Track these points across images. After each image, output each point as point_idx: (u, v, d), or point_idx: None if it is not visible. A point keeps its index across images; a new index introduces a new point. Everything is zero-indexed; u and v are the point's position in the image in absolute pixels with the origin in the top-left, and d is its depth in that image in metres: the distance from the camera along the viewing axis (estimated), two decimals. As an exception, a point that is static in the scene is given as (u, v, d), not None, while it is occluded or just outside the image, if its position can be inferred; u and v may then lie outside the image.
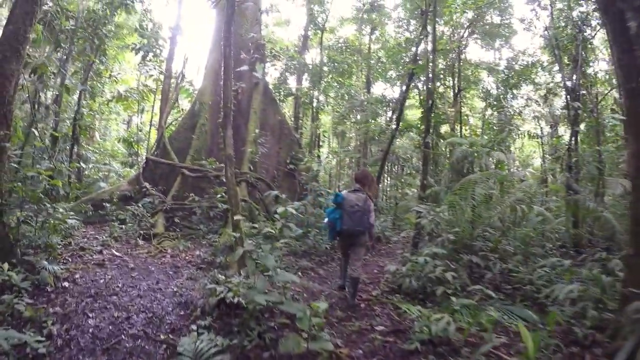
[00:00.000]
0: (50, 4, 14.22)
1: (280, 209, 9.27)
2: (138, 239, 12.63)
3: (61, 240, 10.64)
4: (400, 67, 25.82)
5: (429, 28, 15.45)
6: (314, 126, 25.73)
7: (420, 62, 18.51)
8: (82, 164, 17.47)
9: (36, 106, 13.35)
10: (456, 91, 24.05)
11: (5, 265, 6.98)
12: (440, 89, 25.71)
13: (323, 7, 26.50)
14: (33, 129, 10.43)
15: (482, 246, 10.40)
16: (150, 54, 21.31)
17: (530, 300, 8.29)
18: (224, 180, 14.31)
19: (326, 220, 8.27)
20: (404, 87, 19.52)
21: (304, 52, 25.36)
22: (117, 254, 11.13)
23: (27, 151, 13.21)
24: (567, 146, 15.14)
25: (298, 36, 28.22)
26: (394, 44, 26.10)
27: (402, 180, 25.09)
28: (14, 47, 8.37)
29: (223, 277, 7.23)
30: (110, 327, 6.30)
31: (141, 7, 23.99)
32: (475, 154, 13.76)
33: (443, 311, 6.94)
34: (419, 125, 25.14)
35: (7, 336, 5.18)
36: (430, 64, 13.86)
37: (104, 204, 14.83)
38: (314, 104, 26.16)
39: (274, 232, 7.44)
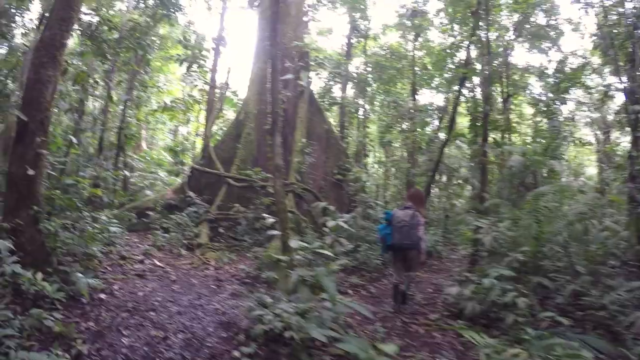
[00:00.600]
0: (96, 18, 13.84)
1: (330, 223, 8.54)
2: (181, 248, 12.04)
3: (102, 249, 10.11)
4: (445, 73, 24.75)
5: (479, 32, 14.47)
6: (361, 135, 24.86)
7: (470, 66, 17.46)
8: (126, 172, 17.06)
9: (81, 115, 12.92)
10: (505, 97, 22.74)
11: (39, 275, 6.36)
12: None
13: (365, 14, 25.74)
14: (71, 136, 9.89)
15: (549, 266, 9.29)
16: (195, 65, 20.99)
17: (603, 327, 7.27)
18: (271, 190, 13.75)
19: (379, 235, 8.76)
20: (455, 93, 18.48)
21: (348, 60, 24.58)
22: (158, 264, 10.52)
23: (72, 159, 12.89)
24: (628, 153, 13.78)
25: (341, 45, 27.50)
26: (438, 50, 25.02)
27: (451, 191, 23.92)
28: (51, 53, 7.94)
29: (270, 300, 6.41)
30: (146, 348, 5.60)
31: (184, 19, 24.15)
32: (537, 164, 12.61)
33: (511, 341, 6.05)
34: (467, 134, 24.01)
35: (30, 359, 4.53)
36: (485, 67, 12.86)
37: (148, 212, 14.33)
38: (360, 113, 25.36)
39: (324, 248, 6.63)
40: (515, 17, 22.27)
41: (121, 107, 18.77)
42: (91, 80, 13.09)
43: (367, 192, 17.65)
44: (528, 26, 22.33)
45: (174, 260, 11.19)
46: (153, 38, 18.94)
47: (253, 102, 17.54)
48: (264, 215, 12.03)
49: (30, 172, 7.39)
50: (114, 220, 12.23)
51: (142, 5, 18.88)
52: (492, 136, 23.77)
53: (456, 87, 24.46)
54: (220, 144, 17.25)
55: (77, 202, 8.30)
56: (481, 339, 6.28)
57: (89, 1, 13.29)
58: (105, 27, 13.95)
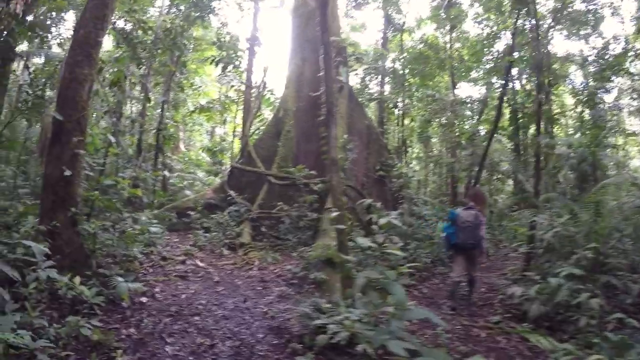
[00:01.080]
0: (130, 24, 13.51)
1: (382, 220, 7.91)
2: (223, 248, 11.55)
3: (143, 250, 9.69)
4: (483, 65, 23.80)
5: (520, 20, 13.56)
6: (400, 131, 24.04)
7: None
8: (165, 172, 16.70)
9: (119, 117, 12.56)
10: (546, 87, 21.58)
11: (77, 279, 5.90)
12: (527, 86, 23.44)
13: (399, 7, 25.00)
14: (110, 136, 9.47)
15: (615, 263, 8.39)
16: (230, 66, 20.60)
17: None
18: (315, 188, 13.18)
19: (443, 234, 8.95)
20: (500, 83, 17.62)
21: (384, 55, 23.78)
22: (200, 264, 10.04)
23: (111, 160, 12.55)
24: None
25: (375, 41, 26.75)
26: (474, 42, 24.01)
27: (492, 186, 22.92)
28: (86, 51, 7.59)
29: (328, 305, 5.76)
30: (192, 358, 5.04)
31: (217, 21, 23.80)
32: (594, 156, 11.68)
33: (581, 346, 5.44)
34: (507, 127, 23.01)
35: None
36: (535, 53, 11.96)
37: (189, 212, 13.91)
38: (398, 108, 24.54)
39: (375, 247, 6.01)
40: (551, 3, 21.15)
41: (158, 109, 18.44)
42: (128, 83, 12.70)
43: (410, 189, 16.89)
44: (566, 12, 21.13)
45: (216, 260, 10.70)
46: (188, 40, 18.58)
47: (291, 99, 16.96)
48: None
49: (67, 172, 6.97)
50: (154, 221, 11.89)
51: (174, 10, 18.55)
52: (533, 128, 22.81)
53: (495, 79, 23.86)
54: (259, 143, 16.73)
55: (116, 203, 7.81)
56: (549, 343, 5.55)
57: (123, 6, 12.90)
58: (140, 31, 13.66)
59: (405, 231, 11.78)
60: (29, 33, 10.20)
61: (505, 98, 23.96)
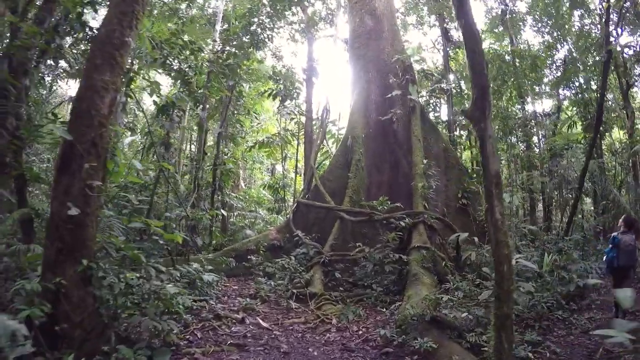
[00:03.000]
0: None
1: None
2: (290, 300, 9.04)
3: (193, 303, 7.39)
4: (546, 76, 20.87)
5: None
6: (473, 153, 21.13)
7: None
8: (223, 211, 14.48)
9: (168, 148, 10.48)
10: (624, 88, 18.39)
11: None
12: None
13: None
14: (135, 163, 7.31)
15: None
16: (288, 99, 18.66)
17: None
18: (401, 224, 10.57)
19: (605, 257, 8.71)
20: (598, 82, 14.78)
21: (447, 73, 21.17)
22: (263, 324, 7.59)
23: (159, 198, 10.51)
24: None
25: (433, 62, 24.37)
26: (535, 52, 21.10)
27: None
28: (107, 53, 5.57)
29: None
30: None
31: (271, 54, 22.07)
32: None
33: None
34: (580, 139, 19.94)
35: None
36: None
37: (250, 256, 11.60)
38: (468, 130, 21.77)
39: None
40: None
41: (214, 145, 16.46)
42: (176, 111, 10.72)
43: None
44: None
45: (282, 316, 8.22)
46: (241, 67, 16.77)
47: (359, 125, 14.61)
48: (420, 247, 8.85)
49: (74, 211, 4.77)
50: (209, 267, 9.63)
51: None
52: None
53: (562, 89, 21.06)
54: (327, 175, 14.33)
55: (143, 255, 5.52)
56: None
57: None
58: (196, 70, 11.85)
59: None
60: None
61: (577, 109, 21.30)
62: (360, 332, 7.21)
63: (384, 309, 8.12)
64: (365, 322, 7.72)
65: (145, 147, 10.10)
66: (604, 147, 20.45)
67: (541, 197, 19.69)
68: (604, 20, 15.17)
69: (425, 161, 12.76)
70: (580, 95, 20.89)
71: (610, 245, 8.55)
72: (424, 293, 7.94)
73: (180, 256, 11.10)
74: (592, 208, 20.79)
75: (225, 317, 7.65)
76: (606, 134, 21.11)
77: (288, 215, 13.86)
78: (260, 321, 7.69)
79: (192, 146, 21.71)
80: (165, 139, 10.52)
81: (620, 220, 9.07)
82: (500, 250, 4.38)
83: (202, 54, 12.44)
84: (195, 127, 17.56)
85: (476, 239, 9.61)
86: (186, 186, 16.45)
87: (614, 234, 8.66)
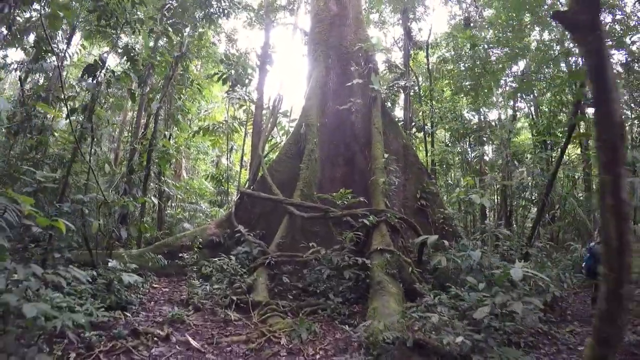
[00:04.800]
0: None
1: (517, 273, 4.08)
2: (229, 310, 7.26)
3: (105, 314, 5.58)
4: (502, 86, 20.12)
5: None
6: (431, 155, 19.83)
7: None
8: (154, 198, 12.44)
9: (90, 115, 8.39)
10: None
11: None
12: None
13: (419, 25, 21.83)
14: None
15: None
16: (238, 85, 16.76)
17: None
18: (366, 222, 8.98)
19: (584, 264, 9.39)
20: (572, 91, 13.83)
21: (407, 74, 19.85)
22: (194, 344, 5.80)
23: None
24: None
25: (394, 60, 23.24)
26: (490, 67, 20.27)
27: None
28: None
29: None
30: None
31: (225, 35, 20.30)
32: None
33: None
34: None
35: None
36: None
37: (183, 253, 9.69)
38: (424, 130, 20.55)
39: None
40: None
41: (149, 122, 14.34)
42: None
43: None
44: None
45: (218, 332, 6.43)
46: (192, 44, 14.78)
47: (315, 112, 12.95)
48: (383, 250, 7.25)
49: None
50: (132, 266, 7.73)
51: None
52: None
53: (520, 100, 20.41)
54: (275, 165, 12.55)
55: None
56: None
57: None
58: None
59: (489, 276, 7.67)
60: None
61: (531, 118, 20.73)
62: (318, 357, 5.53)
63: (344, 324, 6.44)
64: (322, 342, 6.01)
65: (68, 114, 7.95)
66: (551, 158, 19.84)
67: (502, 202, 18.73)
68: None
69: (386, 155, 11.25)
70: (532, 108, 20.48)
71: (588, 254, 9.22)
72: (392, 305, 6.42)
73: (107, 249, 9.15)
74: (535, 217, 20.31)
75: (145, 334, 5.80)
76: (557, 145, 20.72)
77: (230, 209, 11.99)
78: (190, 339, 5.88)
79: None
80: (90, 105, 8.42)
81: (596, 232, 10.00)
82: (624, 255, 2.69)
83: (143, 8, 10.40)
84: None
85: (446, 242, 8.18)
86: (120, 170, 14.32)
87: (591, 244, 9.36)
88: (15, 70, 13.90)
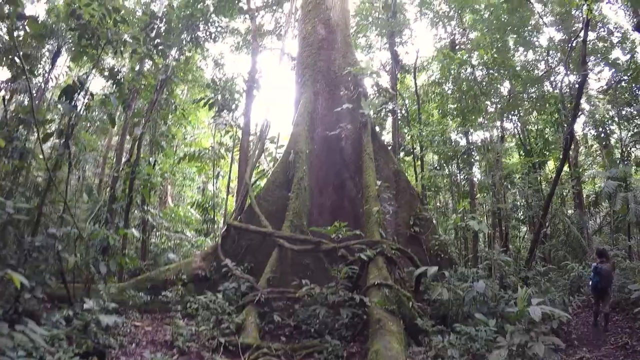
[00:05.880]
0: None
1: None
2: (216, 354, 6.67)
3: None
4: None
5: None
6: (422, 180, 19.42)
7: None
8: (134, 230, 11.81)
9: (67, 142, 7.87)
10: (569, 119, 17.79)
11: None
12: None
13: (406, 48, 21.82)
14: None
15: None
16: (225, 111, 16.35)
17: None
18: (363, 257, 8.44)
19: (590, 282, 10.09)
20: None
21: (395, 95, 19.58)
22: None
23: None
24: None
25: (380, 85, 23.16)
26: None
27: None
28: None
29: None
30: None
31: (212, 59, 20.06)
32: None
33: None
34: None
35: None
36: None
37: (165, 291, 9.13)
38: (414, 154, 20.29)
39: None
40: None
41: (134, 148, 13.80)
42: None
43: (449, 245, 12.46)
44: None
45: (205, 380, 5.85)
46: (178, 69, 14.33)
47: (303, 139, 12.52)
48: (381, 284, 6.78)
49: None
50: (112, 305, 7.16)
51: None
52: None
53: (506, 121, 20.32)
54: (264, 194, 12.02)
55: None
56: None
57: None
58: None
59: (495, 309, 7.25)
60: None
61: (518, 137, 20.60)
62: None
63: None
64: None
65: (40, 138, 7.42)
66: (540, 177, 19.66)
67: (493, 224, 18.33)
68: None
69: (378, 183, 10.83)
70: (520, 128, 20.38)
71: (593, 273, 9.97)
72: (394, 346, 5.96)
73: (85, 284, 8.54)
74: (526, 236, 20.07)
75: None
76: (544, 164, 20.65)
77: (217, 239, 11.41)
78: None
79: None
80: (66, 130, 7.88)
81: (594, 254, 10.87)
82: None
83: (128, 29, 9.96)
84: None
85: (446, 273, 7.73)
86: (104, 198, 13.71)
87: (594, 264, 10.06)
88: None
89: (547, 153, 20.60)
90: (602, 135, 19.88)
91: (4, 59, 11.37)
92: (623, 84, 18.36)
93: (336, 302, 7.32)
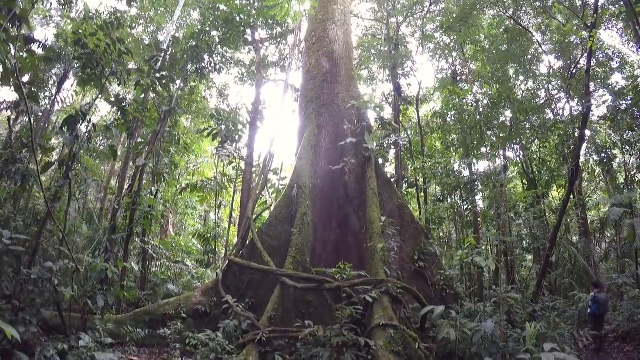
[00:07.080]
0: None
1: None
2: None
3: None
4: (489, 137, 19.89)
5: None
6: (426, 213, 19.20)
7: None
8: (134, 264, 11.60)
9: (68, 172, 7.76)
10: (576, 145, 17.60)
11: None
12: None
13: (408, 80, 21.98)
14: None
15: None
16: (229, 141, 16.29)
17: None
18: (369, 298, 8.19)
19: (589, 310, 11.01)
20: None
21: (398, 127, 19.50)
22: None
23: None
24: None
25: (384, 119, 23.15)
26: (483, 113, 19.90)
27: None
28: None
29: None
30: None
31: (216, 90, 20.31)
32: None
33: None
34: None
35: None
36: None
37: (163, 328, 8.89)
38: (417, 186, 20.18)
39: None
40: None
41: (137, 176, 13.69)
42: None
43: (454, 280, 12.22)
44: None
45: None
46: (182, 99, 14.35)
47: (307, 173, 12.42)
48: (386, 324, 6.52)
49: None
50: (108, 340, 6.93)
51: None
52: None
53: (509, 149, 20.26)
54: (266, 229, 11.80)
55: None
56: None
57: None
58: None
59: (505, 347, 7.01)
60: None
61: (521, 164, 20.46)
62: None
63: None
64: None
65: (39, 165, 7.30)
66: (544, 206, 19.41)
67: (502, 257, 18.01)
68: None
69: (383, 219, 10.66)
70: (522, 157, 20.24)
71: (592, 302, 10.90)
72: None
73: (82, 316, 8.29)
74: (531, 265, 19.72)
75: None
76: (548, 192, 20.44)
77: (217, 274, 11.18)
78: None
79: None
80: (67, 161, 7.76)
81: (592, 285, 11.86)
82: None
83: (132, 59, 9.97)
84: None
85: (453, 312, 7.51)
86: (104, 226, 13.55)
87: (593, 294, 10.97)
88: (6, 109, 13.45)
89: (552, 183, 20.47)
90: (605, 160, 19.69)
91: (10, 80, 11.37)
92: (624, 106, 18.27)
93: (340, 344, 7.03)
